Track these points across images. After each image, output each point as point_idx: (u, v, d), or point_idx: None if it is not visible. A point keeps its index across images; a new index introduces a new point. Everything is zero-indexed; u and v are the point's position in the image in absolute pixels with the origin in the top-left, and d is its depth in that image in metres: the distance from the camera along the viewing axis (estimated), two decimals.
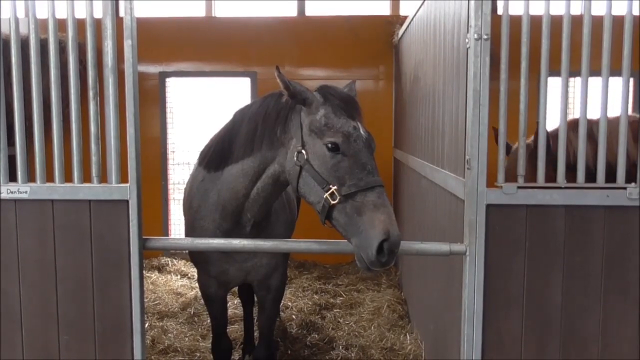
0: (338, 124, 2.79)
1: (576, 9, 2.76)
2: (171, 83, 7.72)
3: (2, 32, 2.89)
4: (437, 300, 4.09)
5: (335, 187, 2.69)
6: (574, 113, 6.55)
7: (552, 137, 3.26)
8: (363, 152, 2.74)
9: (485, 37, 2.68)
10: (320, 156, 2.76)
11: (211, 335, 3.98)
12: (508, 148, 2.99)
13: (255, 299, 4.65)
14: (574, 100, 6.74)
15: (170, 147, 7.73)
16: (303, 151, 2.81)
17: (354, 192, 2.64)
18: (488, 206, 2.76)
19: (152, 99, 7.51)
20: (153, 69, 7.52)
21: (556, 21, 2.78)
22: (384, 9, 7.88)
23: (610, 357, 2.82)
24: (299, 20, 7.63)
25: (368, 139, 2.82)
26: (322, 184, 2.73)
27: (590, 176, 2.90)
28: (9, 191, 2.88)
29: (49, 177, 2.93)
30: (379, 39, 7.39)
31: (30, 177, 2.97)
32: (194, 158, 7.88)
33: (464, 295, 2.82)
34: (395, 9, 7.76)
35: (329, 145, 2.75)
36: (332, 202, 2.67)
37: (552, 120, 3.03)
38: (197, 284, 6.53)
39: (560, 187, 2.80)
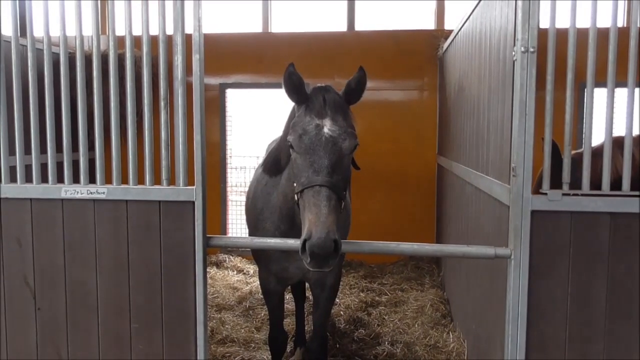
0: (301, 123, 2.72)
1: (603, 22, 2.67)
2: (230, 93, 7.85)
3: (79, 48, 2.97)
4: (479, 301, 4.00)
5: (295, 184, 2.69)
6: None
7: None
8: (314, 150, 2.62)
9: (532, 49, 2.60)
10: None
11: (265, 327, 3.99)
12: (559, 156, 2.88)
13: (309, 295, 4.64)
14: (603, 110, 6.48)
15: (228, 152, 7.86)
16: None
17: (301, 190, 2.60)
18: (533, 212, 2.68)
19: (213, 108, 7.64)
20: (214, 80, 7.65)
21: (602, 33, 2.68)
22: (429, 24, 7.80)
23: None
24: (349, 35, 7.62)
25: (332, 137, 2.65)
26: (293, 180, 2.76)
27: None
28: (89, 192, 2.99)
29: (124, 179, 3.02)
30: (424, 51, 7.30)
31: (107, 179, 3.07)
32: (250, 163, 8.05)
33: (509, 298, 2.74)
34: (440, 24, 7.66)
35: (288, 143, 2.74)
36: (296, 198, 2.69)
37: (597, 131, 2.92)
38: (251, 280, 6.66)
39: (605, 195, 2.69)
